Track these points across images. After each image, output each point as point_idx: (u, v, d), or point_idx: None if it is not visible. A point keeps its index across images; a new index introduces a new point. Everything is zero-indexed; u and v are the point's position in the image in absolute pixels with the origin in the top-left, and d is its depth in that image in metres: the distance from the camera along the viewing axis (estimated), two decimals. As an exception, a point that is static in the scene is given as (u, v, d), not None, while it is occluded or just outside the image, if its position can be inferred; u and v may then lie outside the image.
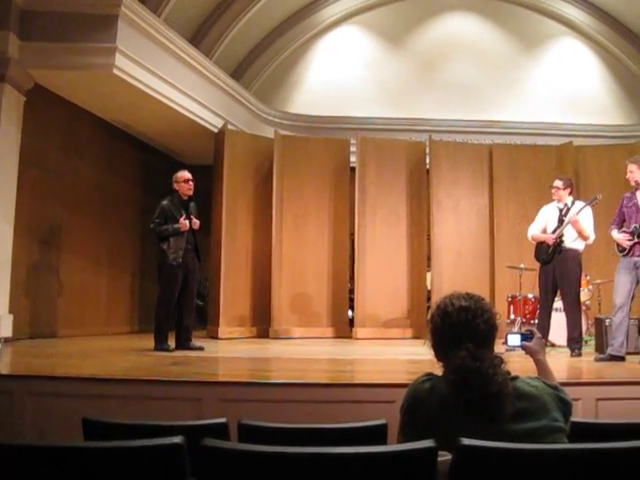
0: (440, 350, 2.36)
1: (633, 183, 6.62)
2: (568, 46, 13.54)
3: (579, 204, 7.34)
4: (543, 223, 7.48)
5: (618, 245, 6.61)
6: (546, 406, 2.20)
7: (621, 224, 6.68)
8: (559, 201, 7.39)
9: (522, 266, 8.46)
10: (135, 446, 1.90)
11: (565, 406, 2.28)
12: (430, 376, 2.34)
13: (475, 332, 2.26)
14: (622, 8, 13.00)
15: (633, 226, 6.50)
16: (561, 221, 7.23)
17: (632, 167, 6.63)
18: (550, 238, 7.21)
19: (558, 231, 7.17)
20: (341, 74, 13.04)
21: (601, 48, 13.54)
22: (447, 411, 2.18)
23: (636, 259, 6.45)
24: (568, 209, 7.28)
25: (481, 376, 2.16)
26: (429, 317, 2.42)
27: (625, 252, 6.53)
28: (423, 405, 2.24)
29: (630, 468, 1.93)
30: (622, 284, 6.52)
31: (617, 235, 6.61)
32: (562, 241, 7.17)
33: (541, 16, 13.48)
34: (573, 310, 7.19)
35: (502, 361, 2.26)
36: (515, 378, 2.26)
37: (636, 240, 6.44)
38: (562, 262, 7.13)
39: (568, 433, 2.24)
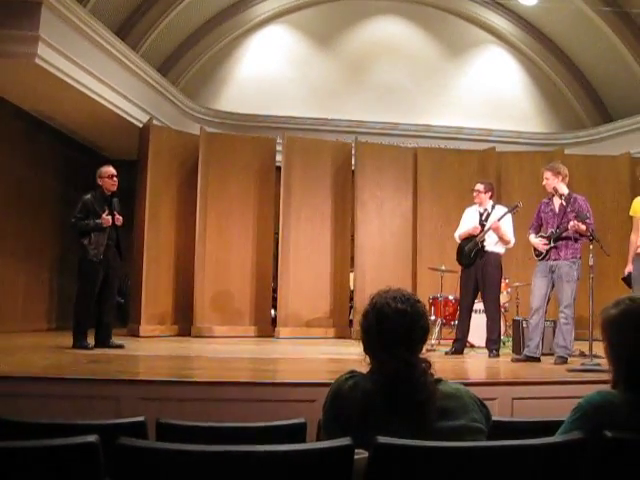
0: (370, 349, 2.33)
1: (551, 190, 6.82)
2: (493, 54, 13.90)
3: (500, 209, 7.55)
4: (465, 224, 7.63)
5: (535, 249, 6.83)
6: (466, 407, 2.23)
7: (538, 229, 6.91)
8: (480, 205, 7.56)
9: (443, 268, 8.64)
10: (47, 446, 1.86)
11: (485, 409, 2.31)
12: (354, 373, 2.33)
13: (410, 339, 2.25)
14: (544, 19, 13.41)
15: (550, 231, 6.71)
16: (482, 225, 7.42)
17: (547, 174, 6.85)
18: (476, 228, 7.38)
19: (480, 236, 7.34)
20: (269, 73, 13.02)
21: (524, 57, 13.94)
22: (370, 408, 2.19)
23: (552, 263, 6.67)
24: (488, 214, 7.47)
25: (412, 384, 2.18)
26: (363, 313, 2.35)
27: (542, 256, 6.75)
28: (345, 402, 2.24)
29: (544, 462, 2.00)
30: (538, 287, 6.74)
31: (534, 240, 6.84)
32: (484, 245, 7.35)
33: (468, 23, 13.78)
34: (493, 312, 7.37)
35: (430, 365, 2.27)
36: (439, 381, 2.28)
37: (552, 245, 6.66)
38: (484, 265, 7.31)
39: (487, 435, 2.29)
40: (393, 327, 2.25)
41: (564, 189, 6.78)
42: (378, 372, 2.26)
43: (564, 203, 6.71)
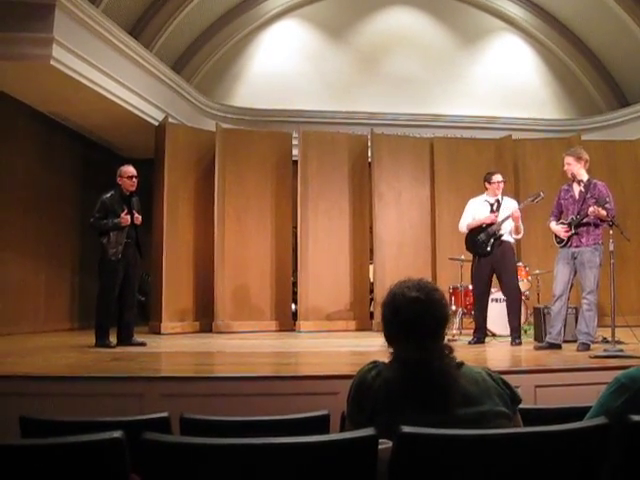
0: (389, 338, 2.35)
1: (570, 175, 6.79)
2: (507, 41, 13.79)
3: (508, 199, 7.60)
4: (472, 216, 7.59)
5: (556, 236, 6.79)
6: (489, 391, 2.23)
7: (559, 216, 6.87)
8: (493, 195, 7.53)
9: (463, 258, 8.59)
10: (73, 442, 1.87)
11: (509, 390, 2.30)
12: (376, 363, 2.34)
13: (424, 326, 2.26)
14: (557, 4, 13.31)
15: (570, 217, 6.68)
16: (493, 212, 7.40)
17: (569, 159, 6.80)
18: (490, 218, 7.34)
19: (496, 225, 7.29)
20: (283, 67, 13.01)
21: (539, 44, 13.83)
22: (393, 397, 2.19)
23: (574, 250, 6.63)
24: (499, 204, 7.45)
25: (427, 369, 2.18)
26: (381, 303, 2.40)
27: (563, 243, 6.71)
28: (369, 391, 2.25)
29: (567, 448, 1.99)
30: (561, 274, 6.71)
31: (555, 227, 6.80)
32: (502, 234, 7.32)
33: (481, 12, 13.69)
34: (514, 299, 7.37)
35: (451, 350, 2.28)
36: (460, 365, 2.28)
37: (573, 231, 6.62)
38: (502, 255, 7.29)
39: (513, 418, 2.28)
40: (407, 315, 2.28)
41: (584, 175, 6.74)
42: (397, 361, 2.28)
43: (583, 190, 6.68)
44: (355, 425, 2.23)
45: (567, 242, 6.68)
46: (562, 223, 6.75)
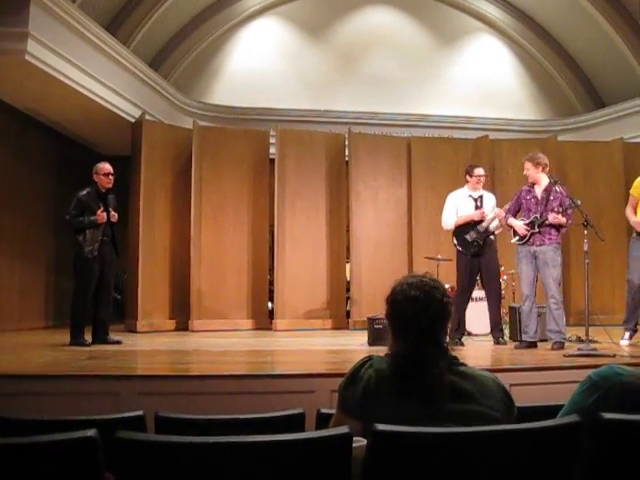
0: (392, 332, 2.37)
1: (531, 179, 6.91)
2: (485, 42, 13.89)
3: (488, 194, 7.60)
4: (456, 211, 7.51)
5: (515, 233, 6.86)
6: (488, 393, 2.24)
7: (515, 214, 6.97)
8: (474, 189, 7.54)
9: (439, 257, 8.63)
10: (47, 441, 1.86)
11: (510, 402, 2.30)
12: (370, 357, 2.36)
13: (421, 324, 2.27)
14: (535, 6, 13.43)
15: (534, 216, 6.77)
16: (478, 208, 7.41)
17: (527, 165, 6.95)
18: (479, 215, 7.31)
19: (486, 222, 7.27)
20: (261, 65, 12.99)
21: (516, 45, 13.95)
22: (383, 387, 2.22)
23: (536, 248, 6.73)
24: (482, 199, 7.47)
25: (419, 368, 2.19)
26: (385, 298, 2.41)
27: (523, 241, 6.78)
28: (360, 380, 2.27)
29: (540, 446, 2.02)
30: (525, 274, 6.81)
31: (516, 222, 6.87)
32: (492, 232, 7.34)
33: (459, 12, 13.77)
34: (499, 297, 7.46)
35: (447, 350, 2.30)
36: (461, 365, 2.31)
37: (536, 230, 6.71)
38: (488, 253, 7.32)
39: None
40: (404, 313, 2.31)
41: (543, 178, 6.89)
42: (391, 355, 2.31)
43: (544, 194, 6.81)
44: (344, 412, 2.27)
45: (528, 240, 6.77)
46: (523, 220, 6.84)
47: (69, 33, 8.69)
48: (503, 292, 8.96)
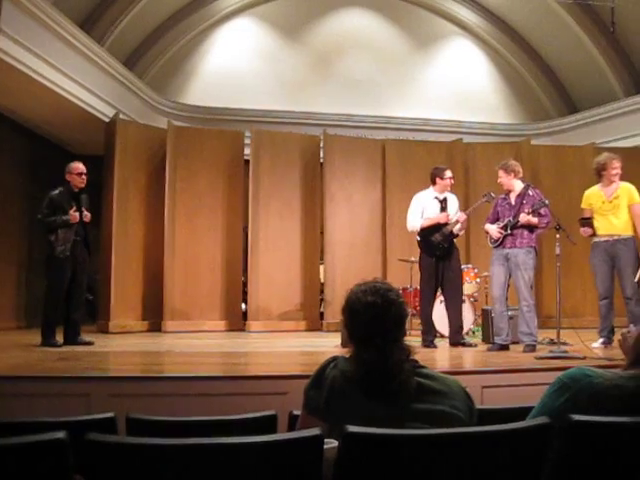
0: (352, 340, 2.37)
1: (505, 187, 7.04)
2: (460, 46, 13.99)
3: (452, 196, 7.62)
4: (422, 213, 7.49)
5: (490, 237, 6.95)
6: (450, 394, 2.26)
7: (494, 222, 7.05)
8: (441, 192, 7.56)
9: (413, 259, 8.66)
10: (15, 443, 1.84)
11: (471, 402, 2.33)
12: (335, 358, 2.37)
13: (384, 328, 2.28)
14: (510, 11, 13.56)
15: (507, 219, 6.84)
16: (443, 210, 7.44)
17: (500, 172, 7.08)
18: (444, 217, 7.34)
19: (451, 225, 7.32)
20: (237, 65, 12.97)
21: (491, 50, 14.06)
22: (348, 388, 2.24)
23: (508, 251, 6.82)
24: (446, 201, 7.51)
25: (386, 373, 2.21)
26: (341, 310, 2.42)
27: (497, 244, 6.87)
28: (325, 380, 2.28)
29: (509, 447, 2.03)
30: (496, 276, 6.91)
31: (491, 226, 6.97)
32: (456, 235, 7.39)
33: (435, 16, 13.86)
34: (460, 300, 7.48)
35: (410, 352, 2.31)
36: (422, 367, 2.33)
37: (508, 232, 6.80)
38: (452, 255, 7.35)
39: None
40: (364, 320, 2.31)
41: (517, 184, 7.00)
42: (356, 357, 2.30)
43: (517, 200, 6.92)
44: (310, 411, 2.28)
45: (501, 243, 6.85)
46: (497, 225, 6.94)
47: (42, 30, 8.60)
48: (477, 294, 9.05)
